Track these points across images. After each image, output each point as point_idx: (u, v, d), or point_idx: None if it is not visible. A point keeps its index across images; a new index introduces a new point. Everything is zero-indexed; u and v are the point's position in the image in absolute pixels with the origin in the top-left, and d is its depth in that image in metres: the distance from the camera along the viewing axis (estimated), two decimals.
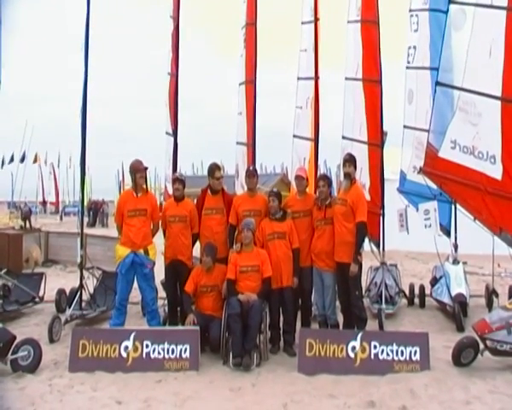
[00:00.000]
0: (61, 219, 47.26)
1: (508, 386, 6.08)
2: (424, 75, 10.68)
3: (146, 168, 8.05)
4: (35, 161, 44.30)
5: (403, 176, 11.34)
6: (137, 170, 8.00)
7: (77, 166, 9.98)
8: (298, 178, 8.15)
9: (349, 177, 7.81)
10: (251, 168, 8.54)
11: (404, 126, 11.27)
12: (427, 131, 8.73)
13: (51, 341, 8.00)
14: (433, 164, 8.36)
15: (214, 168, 8.22)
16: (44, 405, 5.75)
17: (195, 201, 8.48)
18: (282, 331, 7.71)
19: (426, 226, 10.36)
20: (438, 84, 8.50)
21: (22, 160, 38.35)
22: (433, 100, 8.73)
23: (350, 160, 7.91)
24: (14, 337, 6.79)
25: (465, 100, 7.89)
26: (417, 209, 10.46)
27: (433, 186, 9.13)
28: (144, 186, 8.09)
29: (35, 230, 19.43)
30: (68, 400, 5.91)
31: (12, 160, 39.43)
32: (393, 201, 10.90)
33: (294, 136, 10.94)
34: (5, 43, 9.64)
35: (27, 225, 31.04)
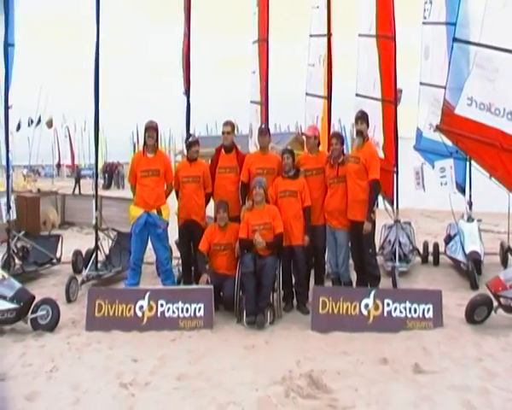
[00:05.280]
0: None
1: None
2: (440, 30, 10.43)
3: (155, 128, 8.02)
4: (50, 126, 44.34)
5: (419, 133, 11.19)
6: (146, 129, 8.04)
7: (92, 129, 9.91)
8: (306, 136, 8.14)
9: (361, 134, 7.73)
10: (263, 126, 8.49)
11: (421, 83, 11.07)
12: (444, 87, 8.57)
13: (68, 301, 8.14)
14: (450, 121, 8.22)
15: (224, 124, 8.25)
16: (64, 361, 5.89)
17: (210, 160, 8.47)
18: (294, 291, 7.76)
19: (442, 184, 10.27)
20: (455, 40, 8.31)
21: (38, 122, 38.70)
22: (450, 56, 8.54)
23: (362, 117, 7.82)
24: (34, 297, 6.94)
25: (482, 55, 7.70)
26: (433, 167, 10.35)
27: (450, 144, 9.01)
28: (155, 146, 8.06)
29: (52, 192, 19.57)
30: (86, 357, 6.05)
31: (32, 122, 39.62)
32: (409, 159, 10.79)
33: (307, 94, 10.80)
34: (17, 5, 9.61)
35: (76, 189, 31.26)
